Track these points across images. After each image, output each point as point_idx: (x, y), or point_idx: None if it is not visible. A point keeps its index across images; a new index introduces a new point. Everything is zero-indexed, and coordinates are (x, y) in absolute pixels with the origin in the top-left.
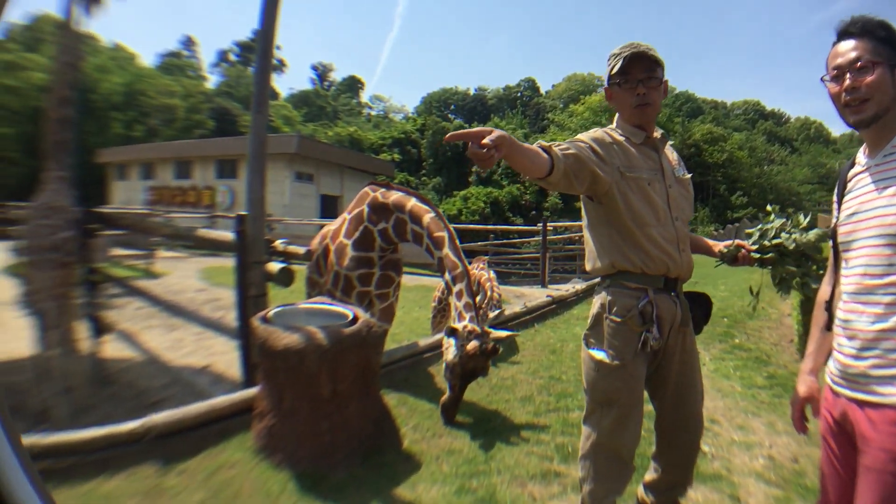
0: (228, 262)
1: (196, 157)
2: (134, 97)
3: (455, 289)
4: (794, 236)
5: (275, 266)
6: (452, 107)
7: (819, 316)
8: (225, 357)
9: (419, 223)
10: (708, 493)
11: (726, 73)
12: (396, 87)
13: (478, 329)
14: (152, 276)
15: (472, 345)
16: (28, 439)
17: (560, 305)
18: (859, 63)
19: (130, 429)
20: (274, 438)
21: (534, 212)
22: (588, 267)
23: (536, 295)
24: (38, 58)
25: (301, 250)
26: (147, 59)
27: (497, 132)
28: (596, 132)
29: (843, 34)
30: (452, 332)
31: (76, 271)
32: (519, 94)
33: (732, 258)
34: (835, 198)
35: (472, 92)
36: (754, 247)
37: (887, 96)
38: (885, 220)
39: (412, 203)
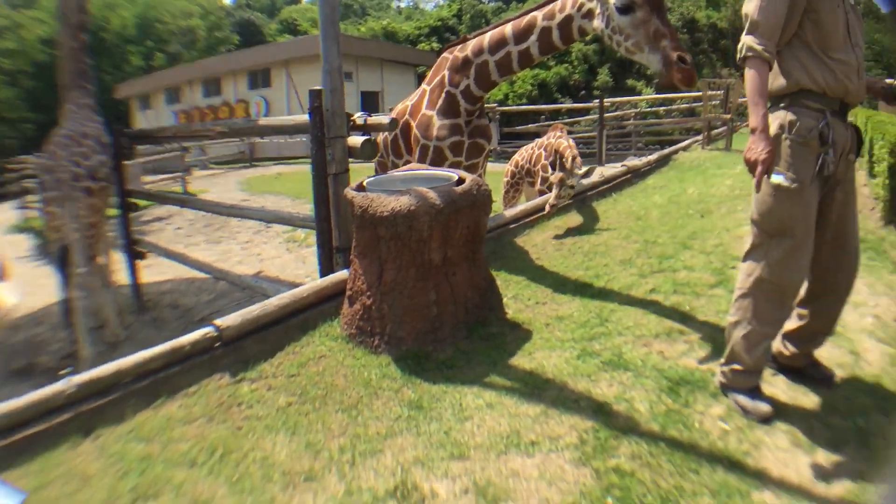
0: (268, 171)
1: (224, 72)
2: (149, 26)
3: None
4: None
5: (357, 139)
6: None
7: None
8: (276, 261)
9: (501, 42)
10: (830, 348)
11: None
12: None
13: None
14: (190, 196)
15: None
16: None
17: (635, 175)
18: None
19: (193, 339)
20: (370, 320)
21: (583, 91)
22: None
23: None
24: (34, 13)
25: (385, 120)
26: None
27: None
28: None
29: None
30: None
31: (111, 198)
32: None
33: (893, 96)
34: None
35: None
36: None
37: None
38: None
39: (488, 35)
